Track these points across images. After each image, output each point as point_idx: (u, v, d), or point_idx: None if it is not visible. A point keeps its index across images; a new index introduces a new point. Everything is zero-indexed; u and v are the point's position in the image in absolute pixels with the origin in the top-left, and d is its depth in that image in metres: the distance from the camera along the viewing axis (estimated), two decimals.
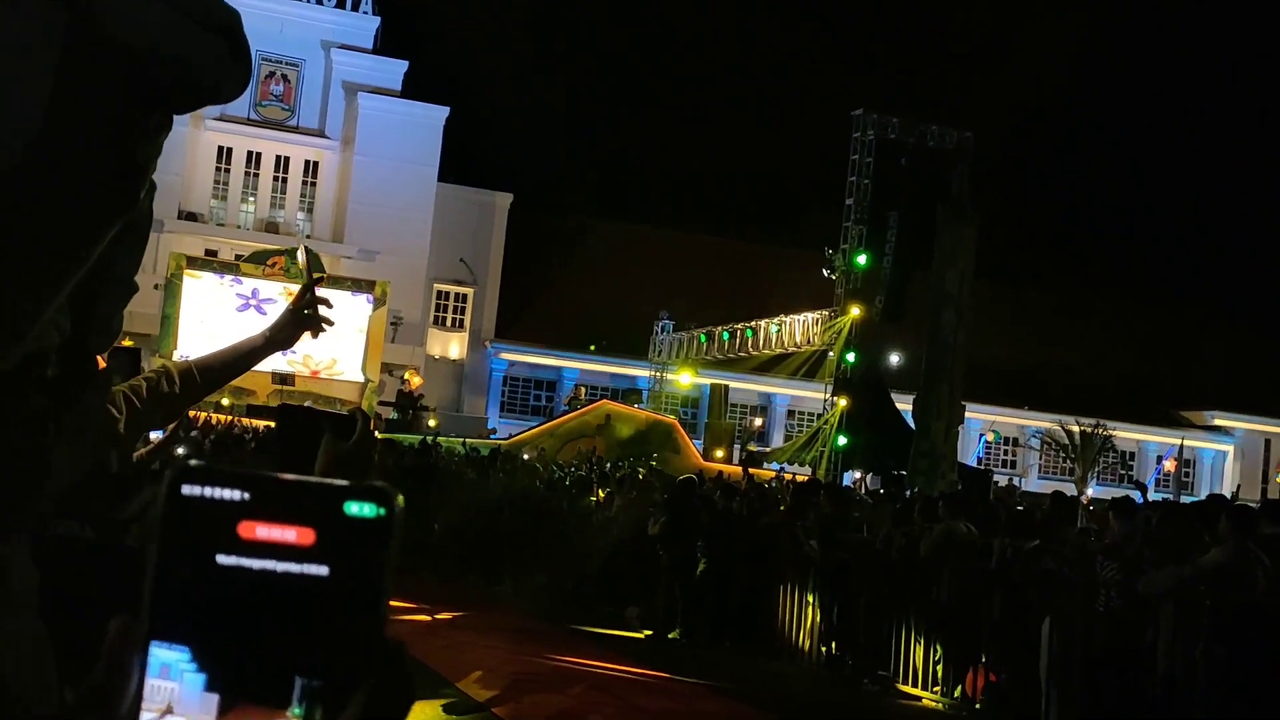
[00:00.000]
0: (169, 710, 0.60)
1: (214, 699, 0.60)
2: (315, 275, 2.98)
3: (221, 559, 0.61)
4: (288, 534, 0.61)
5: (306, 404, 2.12)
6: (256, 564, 0.61)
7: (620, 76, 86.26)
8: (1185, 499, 28.91)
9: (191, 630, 0.61)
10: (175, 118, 1.13)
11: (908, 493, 21.78)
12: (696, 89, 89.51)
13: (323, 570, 0.61)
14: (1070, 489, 45.25)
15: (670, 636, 13.88)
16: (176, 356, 38.96)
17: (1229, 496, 15.06)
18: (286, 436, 1.77)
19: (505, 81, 71.39)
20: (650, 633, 14.16)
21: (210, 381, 2.91)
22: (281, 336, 2.89)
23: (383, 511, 0.62)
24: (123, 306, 1.20)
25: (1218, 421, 61.04)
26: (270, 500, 0.62)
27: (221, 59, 1.10)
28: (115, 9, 1.02)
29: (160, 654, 0.61)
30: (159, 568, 0.61)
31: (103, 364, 1.23)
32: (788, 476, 27.19)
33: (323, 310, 2.93)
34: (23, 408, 1.07)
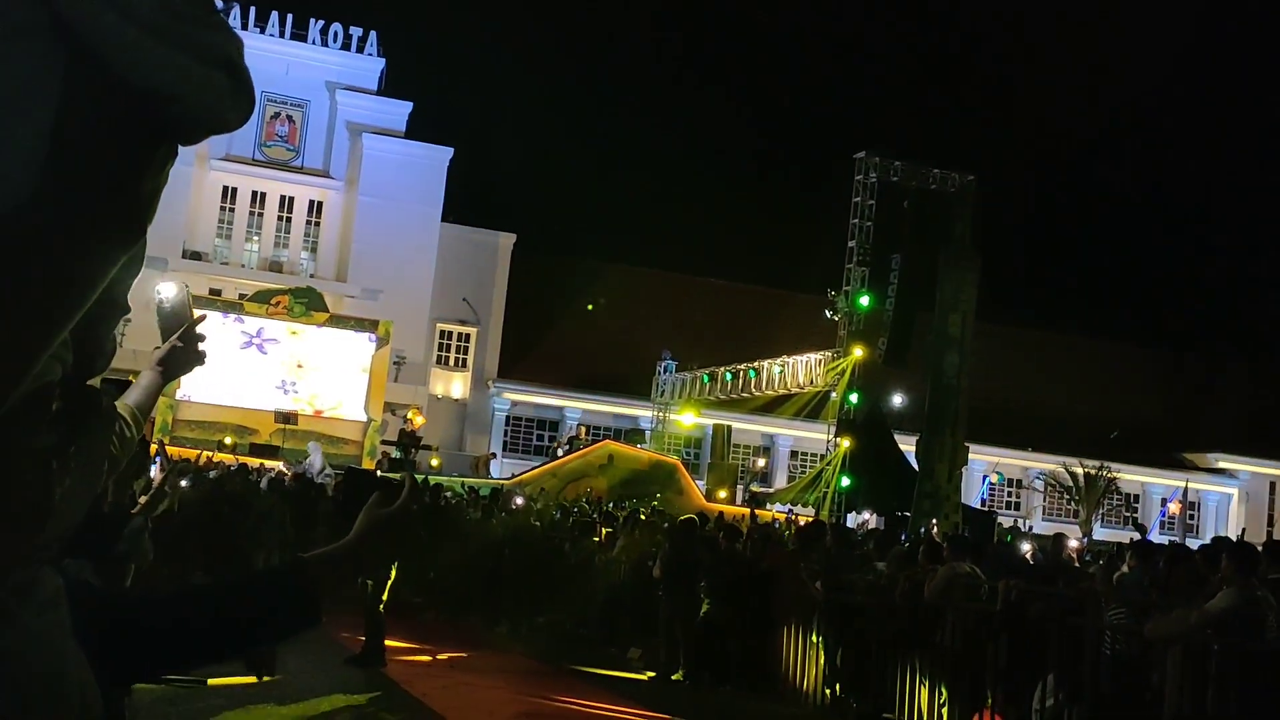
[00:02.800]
0: None
1: None
2: (195, 315, 3.12)
3: None
4: None
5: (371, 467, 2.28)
6: None
7: (624, 118, 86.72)
8: (1190, 542, 28.76)
9: None
10: (180, 158, 1.13)
11: (905, 536, 21.66)
12: (701, 130, 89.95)
13: None
14: (1075, 531, 45.12)
15: (673, 678, 13.78)
16: (179, 396, 39.00)
17: (1234, 540, 14.99)
18: (347, 498, 1.90)
19: (509, 123, 71.77)
20: (653, 674, 14.06)
21: (142, 422, 2.98)
22: (174, 371, 3.02)
23: None
24: (115, 327, 1.20)
25: (1222, 464, 60.86)
26: None
27: (223, 93, 1.10)
28: (116, 49, 1.03)
29: None
30: None
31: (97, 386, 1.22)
32: (799, 519, 27.09)
33: (201, 345, 3.15)
34: (29, 443, 1.06)
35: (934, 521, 28.34)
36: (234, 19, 49.67)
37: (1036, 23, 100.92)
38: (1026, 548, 20.14)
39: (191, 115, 1.06)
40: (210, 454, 28.92)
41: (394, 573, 12.67)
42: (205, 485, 18.12)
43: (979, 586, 11.30)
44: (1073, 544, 19.93)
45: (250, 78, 1.13)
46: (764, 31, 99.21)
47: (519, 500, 25.15)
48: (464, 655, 14.54)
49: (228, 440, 37.64)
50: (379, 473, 29.55)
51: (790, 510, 32.71)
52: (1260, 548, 11.23)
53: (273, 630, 1.69)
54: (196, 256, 49.85)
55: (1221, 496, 61.00)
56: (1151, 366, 64.30)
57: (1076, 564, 16.04)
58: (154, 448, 10.69)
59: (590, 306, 44.62)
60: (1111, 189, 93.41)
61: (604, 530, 19.13)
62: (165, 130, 1.06)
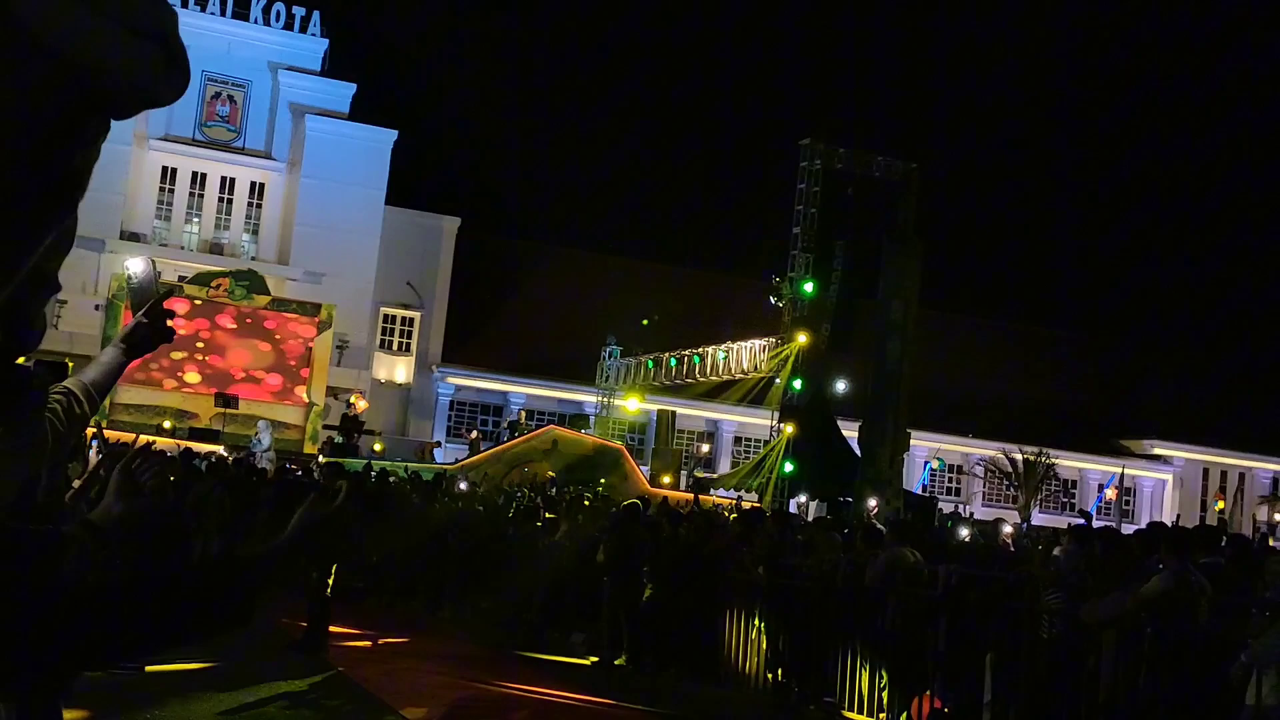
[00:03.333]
0: None
1: None
2: (162, 289, 3.09)
3: None
4: None
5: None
6: None
7: (568, 102, 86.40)
8: (1126, 527, 29.24)
9: None
10: (118, 137, 1.10)
11: (848, 519, 21.83)
12: (645, 115, 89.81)
13: None
14: (1014, 516, 45.69)
15: (616, 663, 13.80)
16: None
17: (1169, 525, 15.24)
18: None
19: (454, 105, 71.27)
20: (596, 659, 14.08)
21: (97, 400, 2.95)
22: (139, 348, 2.98)
23: None
24: (45, 304, 1.17)
25: (1157, 450, 61.88)
26: None
27: (156, 65, 1.07)
28: (43, 16, 1.00)
29: None
30: None
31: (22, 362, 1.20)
32: (746, 504, 27.21)
33: (168, 322, 3.10)
34: None
35: (874, 504, 28.60)
36: None
37: (978, 7, 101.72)
38: (965, 532, 20.40)
39: (122, 87, 1.04)
40: (150, 439, 28.52)
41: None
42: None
43: (919, 571, 11.41)
44: (1008, 529, 20.29)
45: (185, 51, 1.11)
46: (710, 16, 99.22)
47: (463, 485, 25.07)
48: (406, 640, 14.49)
49: (167, 424, 37.19)
50: (321, 458, 29.32)
51: (737, 496, 32.86)
52: (1193, 532, 11.44)
53: (202, 627, 1.65)
54: (135, 238, 49.10)
55: (1156, 482, 62.03)
56: (1089, 353, 65.22)
57: (1013, 549, 16.29)
58: (90, 431, 10.53)
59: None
60: (1049, 176, 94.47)
61: (547, 515, 19.11)
62: (95, 103, 1.04)
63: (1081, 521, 12.64)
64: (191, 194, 51.35)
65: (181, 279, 42.98)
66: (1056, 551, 11.47)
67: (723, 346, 37.88)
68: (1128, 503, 57.83)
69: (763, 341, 35.82)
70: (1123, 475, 52.41)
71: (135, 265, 3.12)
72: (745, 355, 36.66)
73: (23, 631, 1.23)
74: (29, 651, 1.24)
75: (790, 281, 34.81)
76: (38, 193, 1.01)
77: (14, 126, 0.99)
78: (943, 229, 66.48)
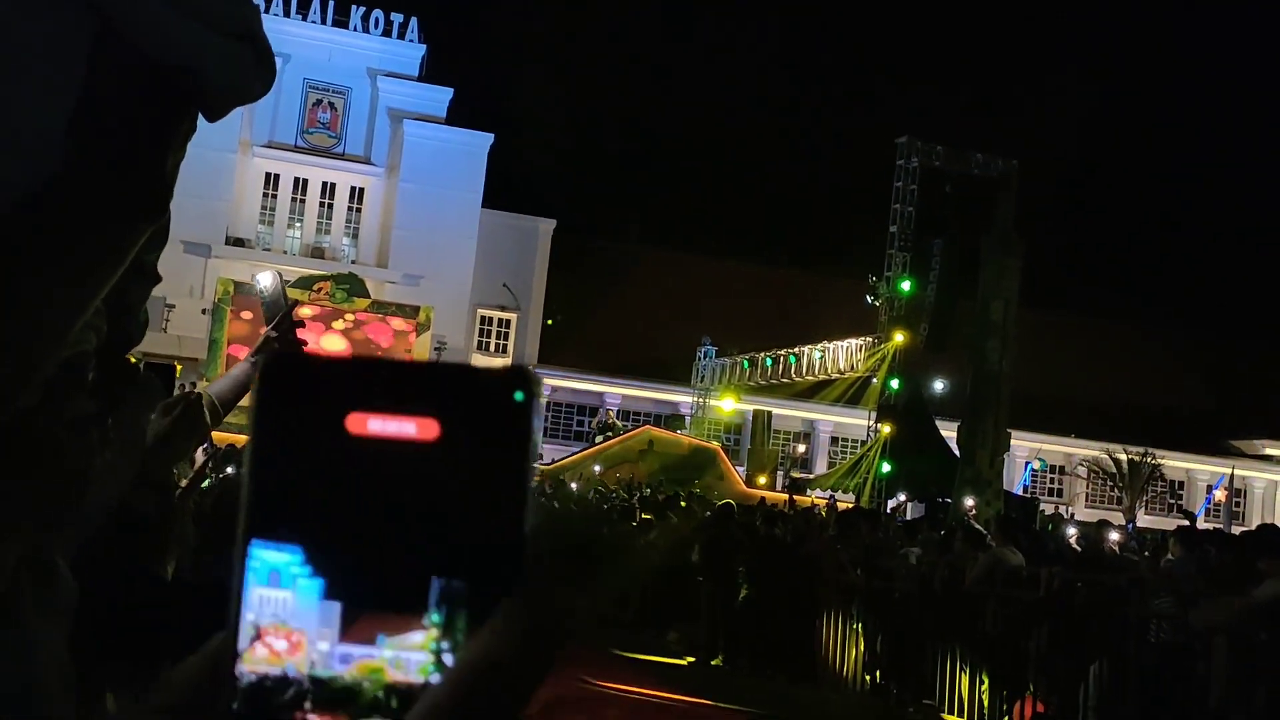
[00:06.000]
0: (282, 625, 0.50)
1: (335, 608, 0.50)
2: (290, 301, 3.14)
3: (325, 454, 0.50)
4: (406, 426, 0.50)
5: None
6: (369, 459, 0.50)
7: (664, 103, 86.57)
8: (1236, 529, 28.49)
9: (302, 527, 0.50)
10: (223, 144, 1.12)
11: (948, 520, 21.55)
12: (741, 115, 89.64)
13: (453, 462, 0.50)
14: (1118, 518, 44.75)
15: (713, 663, 13.78)
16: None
17: None
18: None
19: (549, 108, 71.84)
20: (693, 659, 14.07)
21: (221, 413, 3.00)
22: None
23: (520, 396, 0.51)
24: (146, 296, 1.20)
25: (1269, 451, 60.15)
26: (384, 387, 0.51)
27: (245, 64, 1.10)
28: (139, 22, 1.02)
29: (268, 560, 0.50)
30: (254, 466, 0.50)
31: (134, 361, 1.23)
32: (841, 504, 27.04)
33: (300, 332, 3.15)
34: (66, 412, 1.06)
35: (971, 504, 28.18)
36: (277, 6, 49.93)
37: (1079, 8, 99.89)
38: (1072, 533, 20.01)
39: (214, 88, 1.06)
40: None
41: None
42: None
43: (1021, 573, 11.22)
44: (1114, 536, 19.86)
45: (269, 47, 1.13)
46: (807, 15, 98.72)
47: (574, 485, 25.26)
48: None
49: None
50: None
51: (832, 496, 32.64)
52: None
53: None
54: (240, 243, 50.25)
55: (1268, 484, 60.30)
56: (1196, 353, 63.61)
57: (1117, 552, 15.91)
58: None
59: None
60: (1158, 173, 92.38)
61: (643, 515, 19.15)
62: (188, 103, 1.06)
63: (1186, 524, 12.34)
64: (294, 199, 52.40)
65: (284, 283, 43.84)
66: (1169, 556, 11.21)
67: (819, 346, 37.66)
68: (1238, 504, 56.28)
69: (860, 341, 35.53)
70: (1232, 476, 51.02)
71: (264, 279, 3.19)
72: (842, 355, 36.39)
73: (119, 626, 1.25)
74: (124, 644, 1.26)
75: (887, 280, 34.49)
76: (134, 193, 1.04)
77: (112, 128, 1.01)
78: (1045, 226, 65.38)
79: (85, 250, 1.02)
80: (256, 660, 0.50)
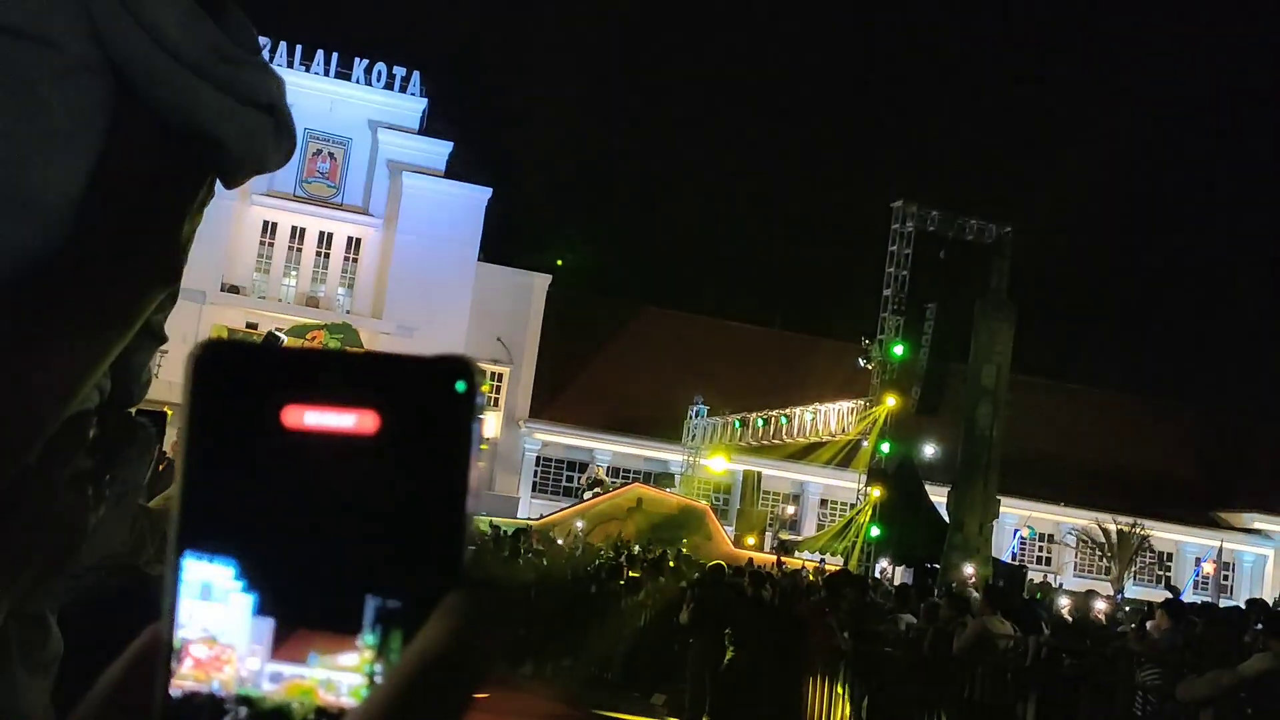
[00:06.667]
0: (211, 640, 0.47)
1: (268, 624, 0.47)
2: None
3: (261, 453, 0.47)
4: (344, 419, 0.47)
5: None
6: (306, 457, 0.47)
7: (661, 162, 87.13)
8: (1224, 602, 28.37)
9: (234, 541, 0.47)
10: (223, 192, 1.14)
11: (936, 586, 21.48)
12: (737, 177, 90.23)
13: (392, 457, 0.47)
14: (1106, 588, 44.58)
15: None
16: None
17: (1271, 603, 14.77)
18: None
19: (547, 164, 72.26)
20: None
21: None
22: None
23: (462, 386, 0.48)
24: (152, 357, 1.21)
25: (1258, 525, 60.05)
26: (320, 378, 0.48)
27: (266, 134, 1.11)
28: (164, 90, 1.04)
29: (199, 571, 0.47)
30: (188, 463, 0.48)
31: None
32: (829, 567, 26.91)
33: None
34: (64, 469, 1.07)
35: (970, 573, 28.05)
36: (280, 56, 50.33)
37: (1075, 77, 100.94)
38: (1065, 603, 19.91)
39: (234, 156, 1.08)
40: None
41: None
42: None
43: (1009, 641, 11.17)
44: (1100, 605, 19.84)
45: (291, 118, 1.14)
46: (803, 78, 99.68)
47: (560, 541, 25.12)
48: (485, 696, 14.44)
49: None
50: None
51: (822, 559, 32.49)
52: None
53: None
54: (234, 290, 50.30)
55: (1257, 557, 60.14)
56: (1187, 423, 63.65)
57: (1104, 622, 15.87)
58: None
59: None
60: (1149, 244, 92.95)
61: (630, 574, 19.06)
62: (207, 171, 1.08)
63: (1176, 597, 12.31)
64: (290, 248, 52.52)
65: (278, 330, 43.86)
66: (1150, 626, 11.17)
67: (810, 408, 37.63)
68: (1226, 578, 56.06)
69: (851, 404, 35.52)
70: (1221, 549, 50.89)
71: (266, 341, 3.21)
72: (833, 417, 36.37)
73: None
74: None
75: (880, 344, 34.54)
76: (150, 258, 1.05)
77: (132, 194, 1.03)
78: (1038, 293, 65.70)
79: (98, 314, 1.03)
80: (183, 677, 0.47)
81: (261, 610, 0.47)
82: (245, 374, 0.48)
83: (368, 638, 0.47)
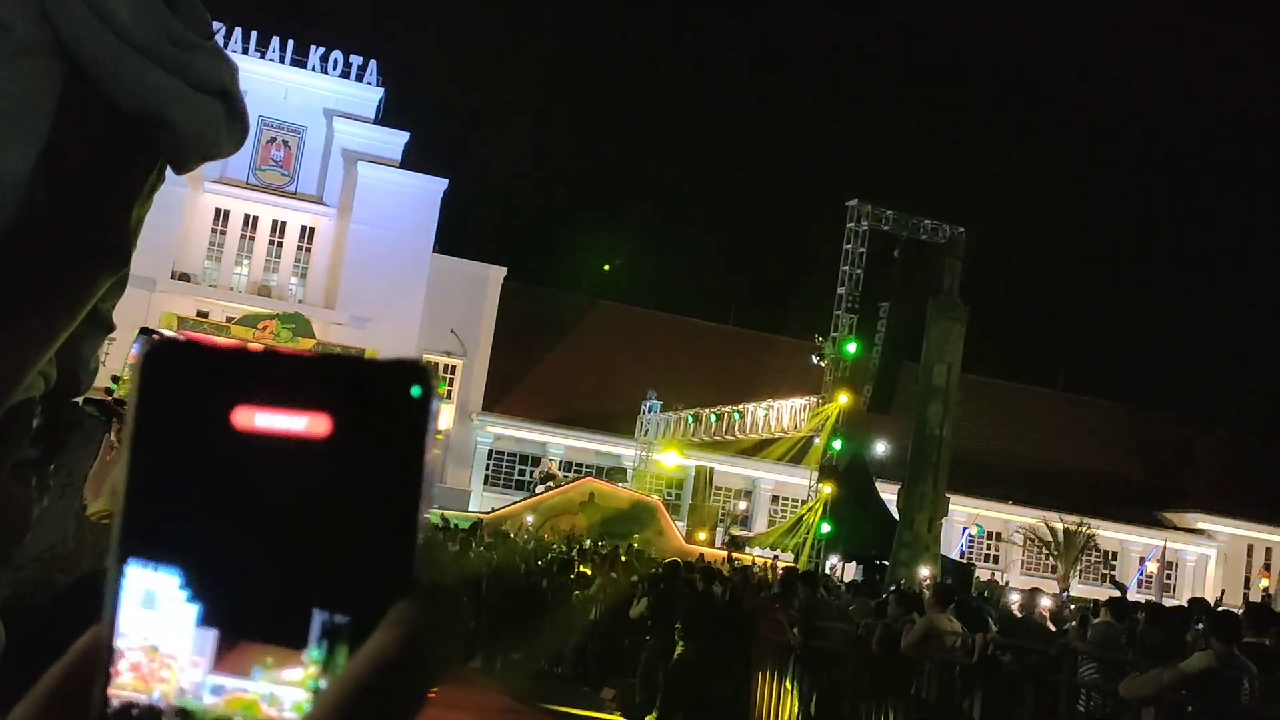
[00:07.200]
0: (153, 649, 0.46)
1: (210, 634, 0.46)
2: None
3: (209, 454, 0.46)
4: (296, 421, 0.45)
5: None
6: (256, 460, 0.46)
7: (618, 159, 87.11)
8: (1167, 601, 28.76)
9: (179, 548, 0.46)
10: (175, 179, 1.13)
11: (888, 584, 21.61)
12: (693, 173, 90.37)
13: (343, 462, 0.45)
14: (1053, 586, 45.07)
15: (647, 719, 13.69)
16: None
17: (1212, 602, 14.98)
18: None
19: (504, 157, 72.04)
20: (623, 717, 13.97)
21: None
22: None
23: (417, 391, 0.46)
24: (99, 346, 1.19)
25: (1201, 524, 60.94)
26: (272, 379, 0.46)
27: (218, 120, 1.10)
28: (112, 72, 1.03)
29: (142, 578, 0.46)
30: (132, 467, 0.46)
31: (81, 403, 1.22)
32: (781, 564, 27.02)
33: None
34: (11, 457, 1.05)
35: (926, 574, 28.22)
36: (235, 43, 49.81)
37: (1028, 77, 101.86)
38: (1015, 599, 20.05)
39: (186, 141, 1.07)
40: None
41: None
42: None
43: (957, 638, 11.26)
44: (1046, 601, 20.05)
45: (244, 104, 1.13)
46: (761, 78, 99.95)
47: (512, 535, 25.07)
48: (434, 693, 14.40)
49: None
50: None
51: (775, 555, 32.62)
52: (1241, 612, 11.23)
53: None
54: (185, 278, 49.77)
55: (1199, 556, 61.02)
56: (1133, 424, 64.47)
57: (1048, 621, 16.02)
58: None
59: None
60: (1098, 245, 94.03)
61: (582, 569, 19.05)
62: (158, 156, 1.07)
63: (1117, 594, 12.47)
64: (243, 236, 52.01)
65: (229, 320, 43.46)
66: (1095, 622, 11.31)
67: (763, 404, 37.77)
68: (1169, 576, 56.87)
69: (804, 401, 35.69)
70: (1165, 548, 51.61)
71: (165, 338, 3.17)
72: (786, 414, 36.52)
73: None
74: None
75: (833, 341, 34.72)
76: (98, 244, 1.04)
77: (80, 178, 1.01)
78: (989, 294, 66.29)
79: (45, 299, 1.02)
80: (122, 686, 0.46)
81: (205, 620, 0.46)
82: (195, 372, 0.47)
83: (314, 652, 0.45)
